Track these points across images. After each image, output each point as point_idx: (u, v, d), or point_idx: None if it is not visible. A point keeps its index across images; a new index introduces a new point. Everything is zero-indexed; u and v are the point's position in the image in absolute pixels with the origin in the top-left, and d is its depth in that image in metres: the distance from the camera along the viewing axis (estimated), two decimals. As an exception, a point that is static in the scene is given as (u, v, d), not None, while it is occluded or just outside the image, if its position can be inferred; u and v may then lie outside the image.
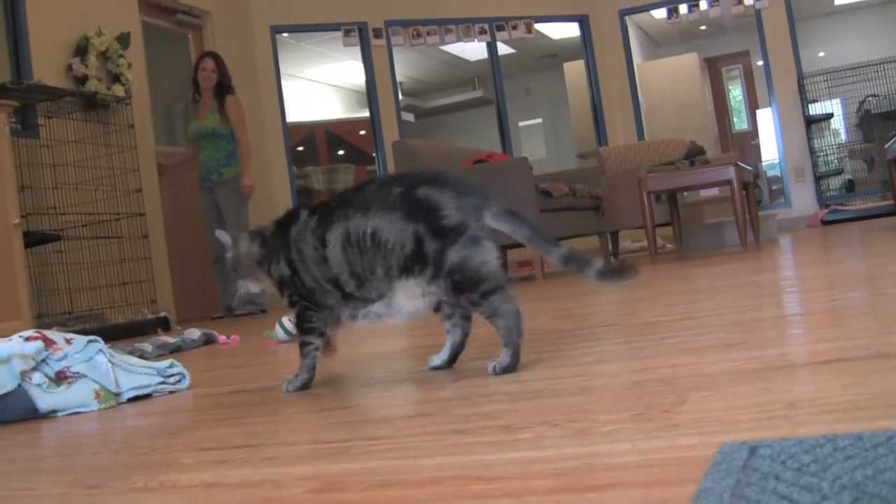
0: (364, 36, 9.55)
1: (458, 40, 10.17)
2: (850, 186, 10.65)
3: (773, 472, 0.72)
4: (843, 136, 11.33)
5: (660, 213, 6.87)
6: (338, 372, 1.99)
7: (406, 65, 11.78)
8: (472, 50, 11.29)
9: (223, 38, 8.00)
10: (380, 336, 2.81)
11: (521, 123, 13.04)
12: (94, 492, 1.07)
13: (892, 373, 1.11)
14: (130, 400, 1.91)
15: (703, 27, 12.71)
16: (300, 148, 11.50)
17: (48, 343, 1.86)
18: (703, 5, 10.38)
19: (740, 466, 0.74)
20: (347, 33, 9.50)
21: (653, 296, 3.01)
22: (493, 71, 10.42)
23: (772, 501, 0.65)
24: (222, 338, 3.66)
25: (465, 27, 10.05)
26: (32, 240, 4.94)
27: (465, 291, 1.59)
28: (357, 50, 9.65)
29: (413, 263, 1.59)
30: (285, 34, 9.55)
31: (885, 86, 10.52)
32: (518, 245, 6.35)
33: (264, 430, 1.37)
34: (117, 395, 1.90)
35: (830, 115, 10.61)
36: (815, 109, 10.35)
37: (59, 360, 1.86)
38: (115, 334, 4.74)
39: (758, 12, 10.22)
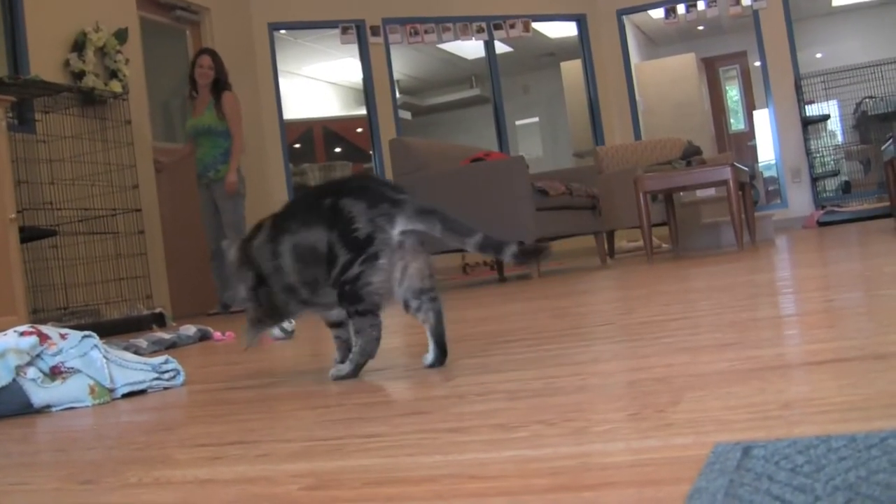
0: (362, 33, 9.54)
1: (456, 38, 10.18)
2: (846, 188, 10.67)
3: (766, 473, 0.72)
4: (839, 138, 11.35)
5: (656, 212, 6.88)
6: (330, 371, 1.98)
7: (403, 63, 11.78)
8: (470, 48, 11.30)
9: (221, 35, 8.00)
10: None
11: (518, 122, 13.06)
12: (88, 487, 1.07)
13: (887, 374, 1.12)
14: (125, 395, 1.91)
15: (700, 27, 12.73)
16: (297, 145, 11.50)
17: (43, 338, 1.86)
18: (701, 5, 10.39)
19: (734, 466, 0.75)
20: (345, 31, 9.50)
21: (649, 295, 3.02)
22: (491, 69, 10.43)
23: (765, 502, 0.65)
24: (217, 334, 3.66)
25: (463, 25, 10.05)
26: (28, 235, 4.93)
27: (346, 303, 1.70)
28: (355, 47, 9.64)
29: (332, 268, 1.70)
30: (283, 31, 9.54)
31: (882, 87, 10.53)
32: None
33: (259, 426, 1.37)
34: (112, 390, 1.89)
35: (827, 117, 10.63)
36: (812, 110, 10.37)
37: (54, 355, 1.86)
38: (110, 330, 4.74)
39: (755, 13, 10.23)
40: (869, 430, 0.81)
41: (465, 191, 5.80)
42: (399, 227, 1.67)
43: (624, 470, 0.83)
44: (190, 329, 3.68)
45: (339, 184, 1.79)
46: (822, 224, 9.23)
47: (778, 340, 1.57)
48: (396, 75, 10.23)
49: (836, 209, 9.66)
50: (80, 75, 6.14)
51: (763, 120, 11.78)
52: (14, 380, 1.78)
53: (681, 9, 10.48)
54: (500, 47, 10.74)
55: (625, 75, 10.72)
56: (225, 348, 3.23)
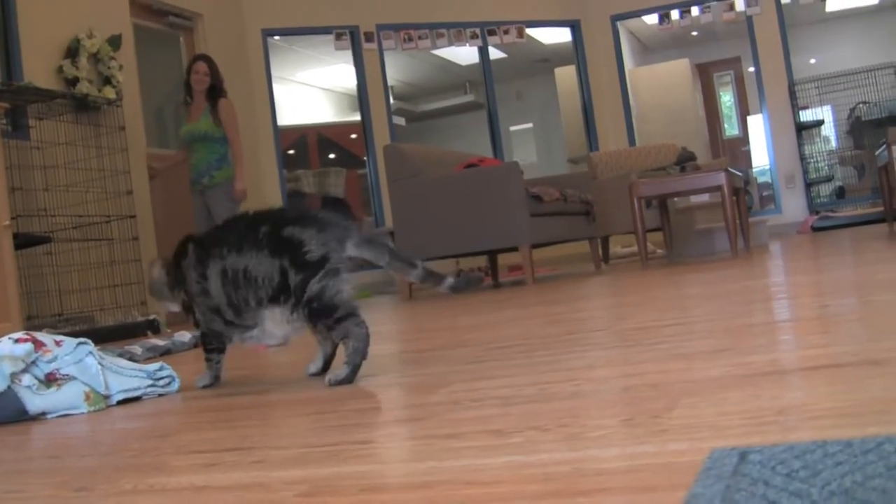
0: (356, 40, 9.55)
1: (450, 44, 10.19)
2: (840, 193, 10.70)
3: (762, 478, 0.72)
4: (833, 143, 11.38)
5: (650, 218, 6.89)
6: (327, 376, 1.98)
7: (397, 69, 11.79)
8: (464, 54, 11.32)
9: (214, 41, 8.00)
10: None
11: (512, 128, 13.06)
12: (82, 494, 1.06)
13: (881, 379, 1.12)
14: (120, 402, 1.91)
15: (694, 33, 12.76)
16: (291, 151, 11.49)
17: (38, 345, 1.86)
18: (695, 11, 10.42)
19: (730, 472, 0.75)
20: (339, 37, 9.51)
21: (643, 301, 3.02)
22: (485, 75, 10.44)
23: (761, 507, 0.65)
24: (212, 341, 3.65)
25: (457, 31, 10.07)
26: (22, 241, 4.92)
27: (322, 318, 1.78)
28: (349, 53, 9.65)
29: (279, 294, 1.79)
30: (277, 37, 9.54)
31: (876, 93, 10.57)
32: (510, 249, 6.32)
33: (254, 433, 1.37)
34: (107, 397, 1.89)
35: (821, 122, 10.66)
36: (806, 116, 10.40)
37: (49, 361, 1.85)
38: (105, 336, 4.72)
39: (749, 19, 10.26)
40: (864, 435, 0.81)
41: (459, 197, 5.80)
42: (348, 252, 1.78)
43: (619, 476, 0.83)
44: (184, 335, 3.68)
45: (274, 213, 1.88)
46: (816, 229, 9.25)
47: (772, 346, 1.57)
48: (390, 81, 10.23)
49: (830, 214, 9.68)
50: (73, 82, 6.13)
51: (757, 125, 11.81)
52: (9, 387, 1.78)
53: (675, 14, 10.51)
54: (494, 53, 10.75)
55: (619, 81, 10.74)
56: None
